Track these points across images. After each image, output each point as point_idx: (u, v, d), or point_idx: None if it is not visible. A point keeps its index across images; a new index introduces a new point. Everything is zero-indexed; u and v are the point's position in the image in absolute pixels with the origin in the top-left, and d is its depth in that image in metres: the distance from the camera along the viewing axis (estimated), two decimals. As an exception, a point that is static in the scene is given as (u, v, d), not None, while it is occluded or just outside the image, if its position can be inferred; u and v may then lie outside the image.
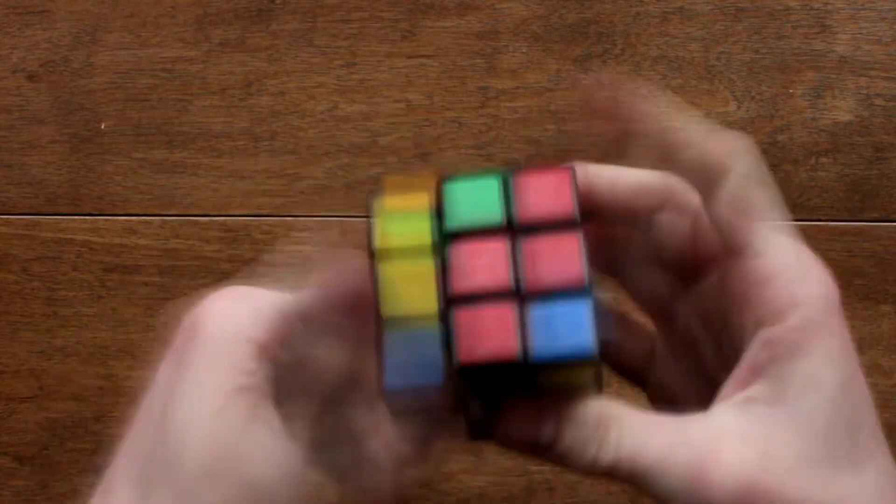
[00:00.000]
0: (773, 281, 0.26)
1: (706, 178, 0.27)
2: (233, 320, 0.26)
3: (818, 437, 0.25)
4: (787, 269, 0.26)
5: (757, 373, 0.25)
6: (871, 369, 0.48)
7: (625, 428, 0.25)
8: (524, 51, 0.49)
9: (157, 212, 0.50)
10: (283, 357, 0.26)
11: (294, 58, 0.50)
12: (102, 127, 0.50)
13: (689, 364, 0.29)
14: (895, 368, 0.47)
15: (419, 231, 0.25)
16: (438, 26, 0.49)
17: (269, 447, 0.25)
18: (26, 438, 0.50)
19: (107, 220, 0.50)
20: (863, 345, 0.47)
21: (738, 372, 0.26)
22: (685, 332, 0.29)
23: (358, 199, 0.48)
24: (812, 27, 0.47)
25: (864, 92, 0.47)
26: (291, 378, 0.27)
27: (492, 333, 0.24)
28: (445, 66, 0.49)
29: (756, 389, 0.25)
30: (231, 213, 0.49)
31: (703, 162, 0.27)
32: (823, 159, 0.47)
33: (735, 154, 0.27)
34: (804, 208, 0.47)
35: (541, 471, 0.48)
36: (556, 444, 0.25)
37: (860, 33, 0.47)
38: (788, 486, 0.24)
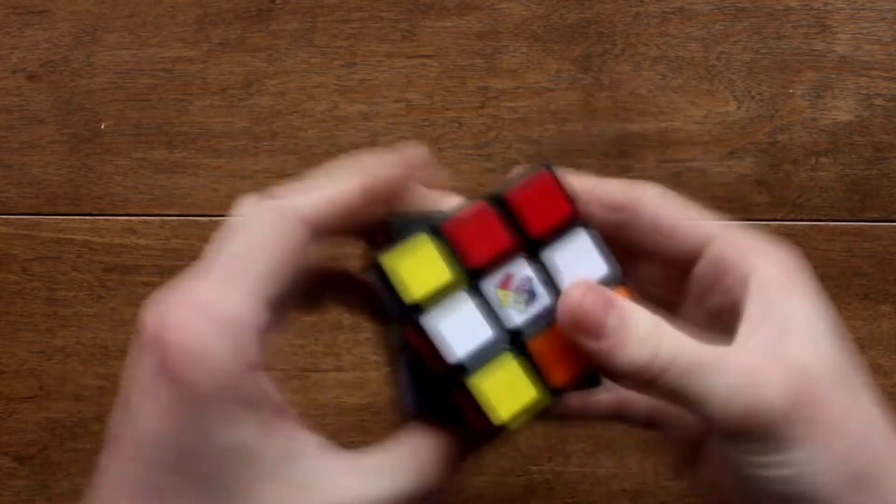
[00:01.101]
0: (741, 246, 0.28)
1: (623, 209, 0.29)
2: (208, 354, 0.24)
3: (831, 358, 0.26)
4: (747, 238, 0.28)
5: (762, 318, 0.26)
6: (871, 369, 0.47)
7: (679, 333, 0.25)
8: (524, 51, 0.49)
9: (157, 212, 0.50)
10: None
11: (294, 58, 0.50)
12: (102, 127, 0.50)
13: None
14: (895, 368, 0.47)
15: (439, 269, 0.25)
16: (438, 26, 0.49)
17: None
18: (26, 438, 0.50)
19: (107, 220, 0.50)
20: (863, 345, 0.47)
21: (744, 325, 0.27)
22: (688, 319, 0.30)
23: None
24: (812, 27, 0.47)
25: (864, 92, 0.47)
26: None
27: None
28: (445, 66, 0.49)
29: (765, 332, 0.26)
30: (231, 213, 0.49)
31: (615, 197, 0.29)
32: (823, 159, 0.47)
33: (640, 186, 0.29)
34: (804, 208, 0.47)
35: (540, 471, 0.48)
36: (620, 335, 0.25)
37: (860, 33, 0.47)
38: (833, 389, 0.25)
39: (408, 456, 0.26)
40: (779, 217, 0.47)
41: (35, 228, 0.51)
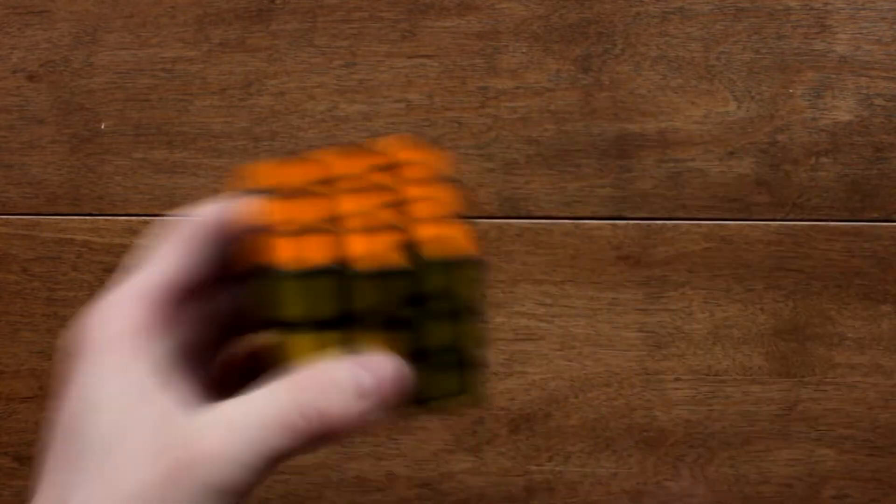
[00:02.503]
0: None
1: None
2: (113, 319, 0.26)
3: None
4: None
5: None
6: (872, 369, 0.48)
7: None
8: (524, 51, 0.49)
9: (157, 212, 0.50)
10: (176, 326, 0.26)
11: (294, 58, 0.50)
12: (102, 127, 0.50)
13: None
14: (895, 368, 0.47)
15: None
16: (438, 26, 0.49)
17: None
18: (26, 438, 0.50)
19: (107, 220, 0.50)
20: (863, 345, 0.47)
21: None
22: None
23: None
24: (812, 27, 0.47)
25: (864, 92, 0.47)
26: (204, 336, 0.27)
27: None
28: (445, 66, 0.49)
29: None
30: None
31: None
32: (823, 159, 0.47)
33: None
34: (804, 208, 0.47)
35: (540, 471, 0.48)
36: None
37: (860, 33, 0.47)
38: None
39: (269, 407, 0.24)
40: (779, 217, 0.47)
41: (35, 228, 0.51)
